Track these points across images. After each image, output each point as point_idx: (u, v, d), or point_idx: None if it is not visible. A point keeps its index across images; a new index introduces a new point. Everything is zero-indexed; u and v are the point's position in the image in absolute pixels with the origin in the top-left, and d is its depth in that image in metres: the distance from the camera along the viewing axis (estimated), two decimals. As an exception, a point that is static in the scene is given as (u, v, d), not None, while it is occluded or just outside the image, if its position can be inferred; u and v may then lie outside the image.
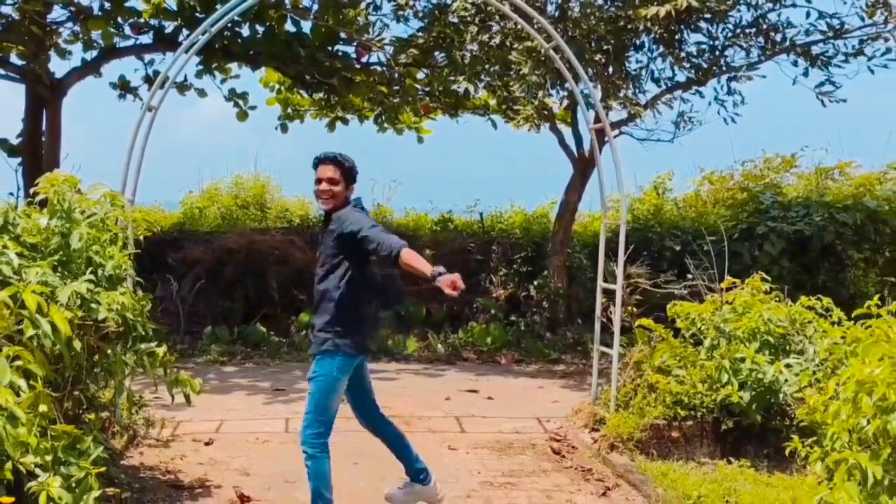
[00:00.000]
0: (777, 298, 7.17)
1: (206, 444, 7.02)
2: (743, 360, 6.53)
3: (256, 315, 12.27)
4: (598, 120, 7.68)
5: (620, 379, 7.14)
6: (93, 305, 4.79)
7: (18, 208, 5.41)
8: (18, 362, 4.08)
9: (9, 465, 3.96)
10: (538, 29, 7.59)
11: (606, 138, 7.76)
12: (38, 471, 4.16)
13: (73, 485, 4.38)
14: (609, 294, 7.61)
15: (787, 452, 5.03)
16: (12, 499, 4.00)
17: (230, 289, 12.63)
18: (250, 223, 14.53)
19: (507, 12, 7.78)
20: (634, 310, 8.01)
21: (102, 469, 4.55)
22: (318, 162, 5.02)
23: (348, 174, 5.03)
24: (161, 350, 5.59)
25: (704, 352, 6.89)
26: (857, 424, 3.64)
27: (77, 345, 4.70)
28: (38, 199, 5.54)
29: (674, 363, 6.85)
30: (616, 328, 7.22)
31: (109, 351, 5.40)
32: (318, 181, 4.99)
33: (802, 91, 10.36)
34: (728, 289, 7.17)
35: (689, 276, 8.99)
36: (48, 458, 4.30)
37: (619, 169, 7.27)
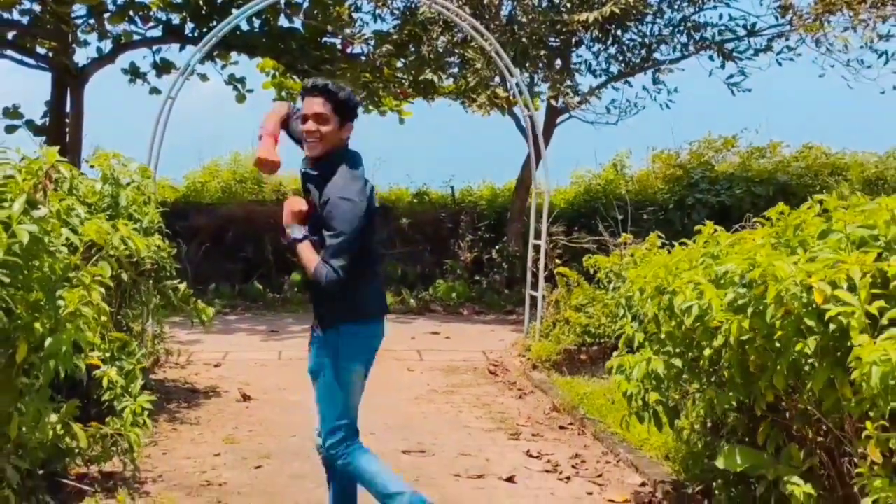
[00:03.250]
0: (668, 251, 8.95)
1: (215, 366, 8.85)
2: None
3: (254, 275, 14.10)
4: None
5: (544, 315, 8.96)
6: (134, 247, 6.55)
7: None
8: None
9: (83, 357, 5.73)
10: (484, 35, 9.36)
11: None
12: (101, 363, 5.93)
13: (125, 374, 6.15)
14: (538, 249, 9.43)
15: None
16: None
17: (231, 252, 14.44)
18: (248, 196, 16.29)
19: (456, 21, 9.54)
20: (558, 261, 9.82)
21: (144, 364, 6.33)
22: (305, 92, 3.92)
23: (342, 108, 3.84)
24: (182, 286, 7.38)
25: (609, 293, 8.67)
26: (640, 312, 5.35)
27: (124, 276, 6.47)
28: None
29: (585, 302, 8.65)
30: (540, 275, 9.06)
31: (143, 287, 7.19)
32: (303, 118, 3.86)
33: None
34: (627, 244, 8.95)
35: (626, 238, 10.77)
36: (107, 355, 6.06)
37: (539, 148, 9.07)
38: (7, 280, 3.76)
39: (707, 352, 4.36)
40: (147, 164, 8.59)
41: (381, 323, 4.15)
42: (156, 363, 8.63)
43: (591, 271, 9.33)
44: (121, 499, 4.90)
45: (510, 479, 5.52)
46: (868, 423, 3.26)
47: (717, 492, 4.85)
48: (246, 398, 7.49)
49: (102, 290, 4.90)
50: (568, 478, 5.61)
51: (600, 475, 5.68)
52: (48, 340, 4.05)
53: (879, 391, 3.10)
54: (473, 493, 5.24)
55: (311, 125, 3.83)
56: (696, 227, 5.27)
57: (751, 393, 4.26)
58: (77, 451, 4.98)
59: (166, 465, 5.67)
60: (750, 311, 3.90)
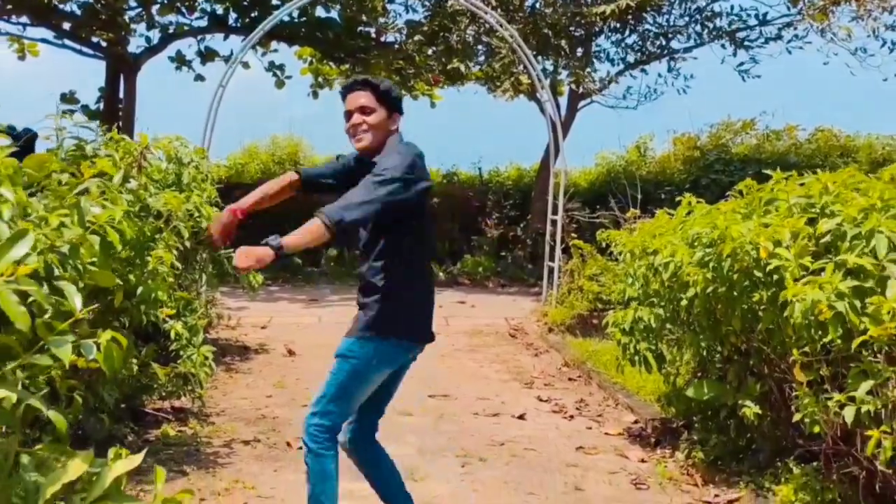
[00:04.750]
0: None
1: (262, 328, 9.81)
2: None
3: (293, 250, 15.09)
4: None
5: (560, 284, 9.82)
6: (197, 218, 7.49)
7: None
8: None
9: (154, 311, 6.67)
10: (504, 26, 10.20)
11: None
12: (168, 318, 6.87)
13: (189, 328, 7.09)
14: (556, 224, 10.28)
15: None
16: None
17: (271, 228, 15.38)
18: (287, 177, 17.23)
19: (480, 14, 10.38)
20: (574, 235, 10.66)
21: (205, 321, 7.28)
22: (346, 91, 3.75)
23: (386, 98, 3.69)
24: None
25: (620, 264, 9.51)
26: (636, 272, 6.17)
27: (187, 244, 7.41)
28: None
29: (598, 272, 9.49)
30: (557, 247, 9.90)
31: (201, 255, 8.14)
32: (348, 114, 3.69)
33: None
34: (636, 219, 9.77)
35: (633, 213, 11.59)
36: (174, 311, 7.01)
37: (557, 133, 9.90)
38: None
39: (683, 302, 5.21)
40: (202, 145, 9.54)
41: (412, 348, 3.75)
42: (209, 325, 9.58)
43: (604, 244, 10.19)
44: (192, 425, 5.84)
45: (521, 417, 6.42)
46: (795, 351, 4.10)
47: (696, 424, 5.70)
48: (291, 353, 8.44)
49: (175, 254, 5.83)
50: (571, 416, 6.50)
51: (600, 415, 6.56)
52: (140, 290, 4.98)
53: (802, 323, 3.94)
54: (489, 426, 6.13)
55: (356, 118, 3.64)
56: (678, 199, 6.03)
57: (717, 336, 5.11)
58: (155, 386, 5.92)
59: (226, 403, 6.62)
60: (712, 265, 4.75)
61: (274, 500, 4.66)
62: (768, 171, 5.22)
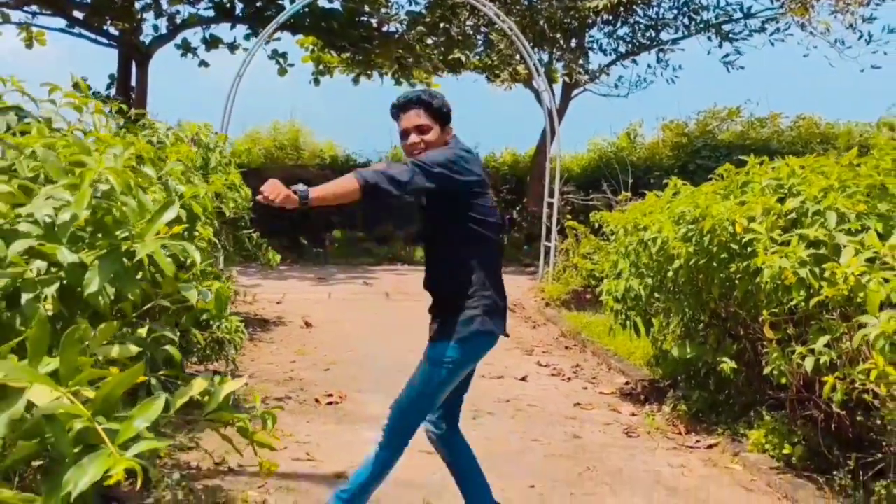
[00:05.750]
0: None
1: (278, 303, 10.46)
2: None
3: (299, 232, 15.73)
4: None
5: (556, 262, 10.50)
6: (224, 200, 8.13)
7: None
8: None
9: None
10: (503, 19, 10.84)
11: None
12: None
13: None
14: (552, 207, 10.95)
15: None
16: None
17: (276, 213, 16.03)
18: (288, 161, 17.86)
19: (479, 6, 11.02)
20: (569, 216, 11.33)
21: (230, 292, 7.89)
22: (398, 109, 3.72)
23: (439, 114, 3.69)
24: (256, 234, 8.96)
25: (612, 243, 10.18)
26: (626, 249, 6.83)
27: (216, 223, 8.05)
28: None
29: (591, 251, 10.17)
30: (553, 228, 10.57)
31: (224, 234, 8.78)
32: (405, 133, 3.69)
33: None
34: (627, 201, 10.44)
35: (625, 196, 12.27)
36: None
37: (553, 120, 10.55)
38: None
39: (669, 273, 5.88)
40: (221, 131, 10.16)
41: (486, 343, 3.77)
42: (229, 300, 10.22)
43: (597, 225, 10.85)
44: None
45: (523, 379, 7.10)
46: (765, 313, 4.78)
47: (681, 383, 6.39)
48: (308, 325, 9.10)
49: (211, 230, 6.46)
50: (569, 379, 7.19)
51: (594, 377, 7.25)
52: (188, 260, 5.62)
53: (771, 287, 4.61)
54: (494, 387, 6.81)
55: (413, 138, 3.64)
56: (666, 182, 6.69)
57: (699, 303, 5.80)
58: (195, 350, 6.57)
59: (255, 367, 7.28)
60: (695, 239, 5.42)
61: (310, 444, 5.32)
62: (744, 157, 5.88)
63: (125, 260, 2.57)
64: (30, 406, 2.11)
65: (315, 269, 13.87)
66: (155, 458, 4.70)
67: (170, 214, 2.63)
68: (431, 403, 3.75)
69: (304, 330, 8.99)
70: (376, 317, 9.82)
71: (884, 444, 4.38)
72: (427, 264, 3.82)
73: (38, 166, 2.96)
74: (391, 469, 3.74)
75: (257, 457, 3.03)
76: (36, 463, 2.84)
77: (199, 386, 2.94)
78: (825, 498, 4.46)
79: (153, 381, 3.04)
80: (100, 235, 2.60)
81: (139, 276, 2.71)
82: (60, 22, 15.63)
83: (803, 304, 4.48)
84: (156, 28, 16.59)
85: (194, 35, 17.72)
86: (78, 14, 15.56)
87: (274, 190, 3.26)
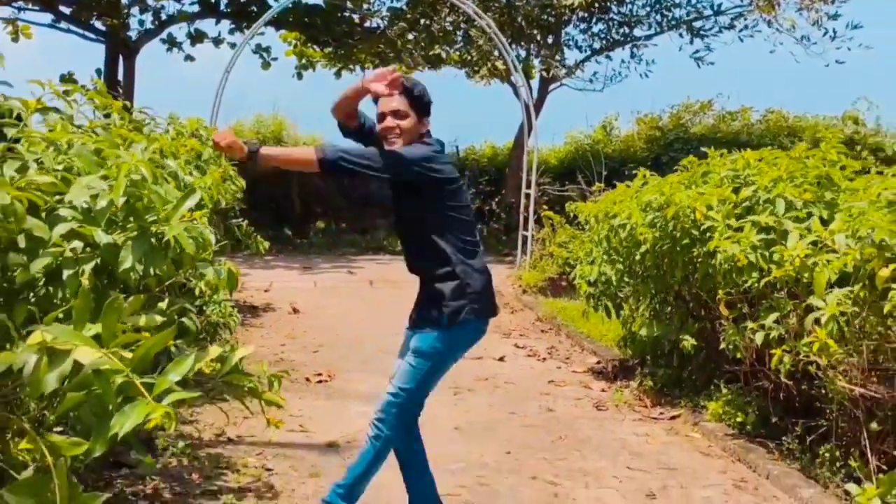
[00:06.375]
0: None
1: (265, 290, 10.85)
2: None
3: (283, 224, 16.10)
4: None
5: (533, 251, 10.94)
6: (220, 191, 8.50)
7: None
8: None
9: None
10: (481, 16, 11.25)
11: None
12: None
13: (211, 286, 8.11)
14: (529, 198, 11.40)
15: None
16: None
17: (261, 204, 16.42)
18: (273, 154, 18.18)
19: (458, 4, 11.44)
20: (545, 207, 11.77)
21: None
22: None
23: (419, 104, 3.74)
24: (245, 223, 9.34)
25: (587, 232, 10.62)
26: (599, 237, 7.28)
27: (212, 217, 8.43)
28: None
29: (567, 240, 10.60)
30: (530, 218, 11.01)
31: (215, 223, 9.14)
32: (381, 116, 3.74)
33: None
34: (601, 192, 10.88)
35: (598, 187, 12.72)
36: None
37: (530, 114, 10.98)
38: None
39: (637, 258, 6.33)
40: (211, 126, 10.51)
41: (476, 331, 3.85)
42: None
43: (572, 215, 11.29)
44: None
45: (501, 359, 7.54)
46: (721, 292, 5.22)
47: (648, 362, 6.84)
48: (296, 311, 9.50)
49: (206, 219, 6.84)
50: (544, 359, 7.64)
51: (568, 357, 7.70)
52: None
53: (726, 269, 5.05)
54: (474, 366, 7.23)
55: (389, 121, 3.68)
56: (634, 173, 7.12)
57: (664, 285, 6.25)
58: (190, 333, 6.95)
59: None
60: (660, 225, 5.87)
61: (303, 418, 5.73)
62: (705, 150, 6.32)
63: (153, 240, 2.97)
64: (76, 366, 2.50)
65: (300, 259, 14.27)
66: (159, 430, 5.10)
67: (191, 201, 3.03)
68: (423, 393, 3.86)
69: (293, 316, 9.39)
70: (361, 303, 10.23)
71: (827, 411, 4.83)
72: (408, 252, 3.91)
73: (67, 159, 3.35)
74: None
75: (265, 415, 3.43)
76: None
77: (215, 351, 3.36)
78: (774, 460, 4.92)
79: (172, 347, 3.45)
80: (131, 219, 3.00)
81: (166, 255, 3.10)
82: (47, 17, 15.92)
83: (756, 284, 4.92)
84: (141, 23, 16.90)
85: (179, 30, 18.04)
86: (65, 9, 15.86)
87: (224, 137, 3.49)
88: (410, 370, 3.77)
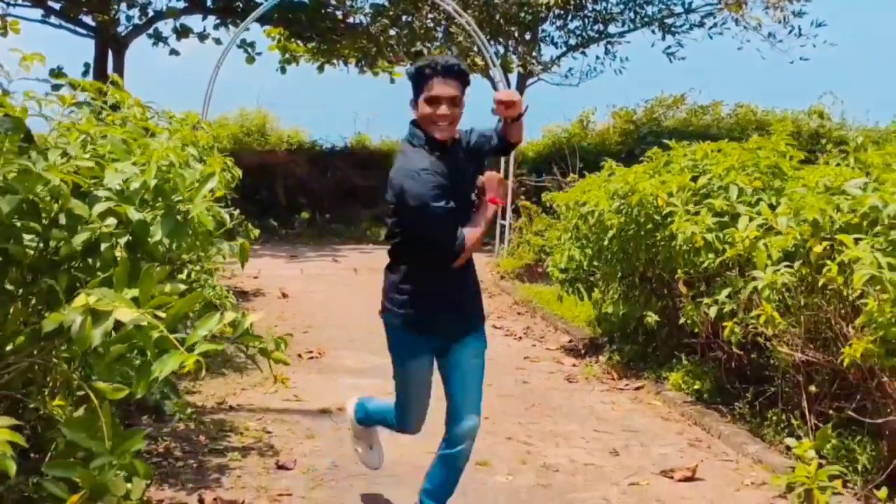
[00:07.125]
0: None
1: (255, 278, 11.29)
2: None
3: (269, 214, 16.53)
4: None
5: (510, 239, 11.45)
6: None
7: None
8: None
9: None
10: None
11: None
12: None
13: (206, 271, 8.55)
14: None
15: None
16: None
17: (247, 195, 16.82)
18: (255, 146, 18.59)
19: (439, 2, 11.92)
20: (523, 197, 12.28)
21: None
22: (434, 73, 3.39)
23: (466, 88, 3.50)
24: (236, 212, 9.78)
25: (562, 221, 11.14)
26: (571, 226, 7.78)
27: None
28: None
29: (543, 229, 11.12)
30: (508, 208, 11.53)
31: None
32: (435, 101, 3.39)
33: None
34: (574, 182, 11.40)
35: (573, 178, 13.25)
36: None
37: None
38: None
39: (605, 242, 6.83)
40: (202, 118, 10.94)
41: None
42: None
43: (548, 205, 11.79)
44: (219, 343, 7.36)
45: (480, 338, 8.02)
46: (680, 272, 5.74)
47: (616, 339, 7.36)
48: (285, 296, 9.97)
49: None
50: (520, 338, 8.15)
51: (542, 337, 8.22)
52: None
53: (684, 250, 5.56)
54: (455, 344, 7.73)
55: (444, 109, 3.38)
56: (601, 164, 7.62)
57: (630, 267, 6.76)
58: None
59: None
60: (625, 211, 6.38)
61: (297, 389, 6.19)
62: (667, 142, 6.84)
63: (179, 218, 3.44)
64: (117, 324, 2.95)
65: (286, 248, 14.71)
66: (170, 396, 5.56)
67: (211, 184, 3.51)
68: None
69: (282, 300, 9.85)
70: (347, 289, 10.71)
71: (774, 378, 5.36)
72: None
73: (93, 148, 3.80)
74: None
75: (272, 372, 3.90)
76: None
77: (229, 316, 3.83)
78: (726, 423, 5.45)
79: (190, 313, 3.92)
80: (159, 199, 3.46)
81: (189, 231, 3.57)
82: (36, 12, 16.24)
83: (711, 264, 5.43)
84: (128, 19, 17.26)
85: (165, 25, 18.40)
86: (54, 4, 16.19)
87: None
88: (481, 377, 3.76)
